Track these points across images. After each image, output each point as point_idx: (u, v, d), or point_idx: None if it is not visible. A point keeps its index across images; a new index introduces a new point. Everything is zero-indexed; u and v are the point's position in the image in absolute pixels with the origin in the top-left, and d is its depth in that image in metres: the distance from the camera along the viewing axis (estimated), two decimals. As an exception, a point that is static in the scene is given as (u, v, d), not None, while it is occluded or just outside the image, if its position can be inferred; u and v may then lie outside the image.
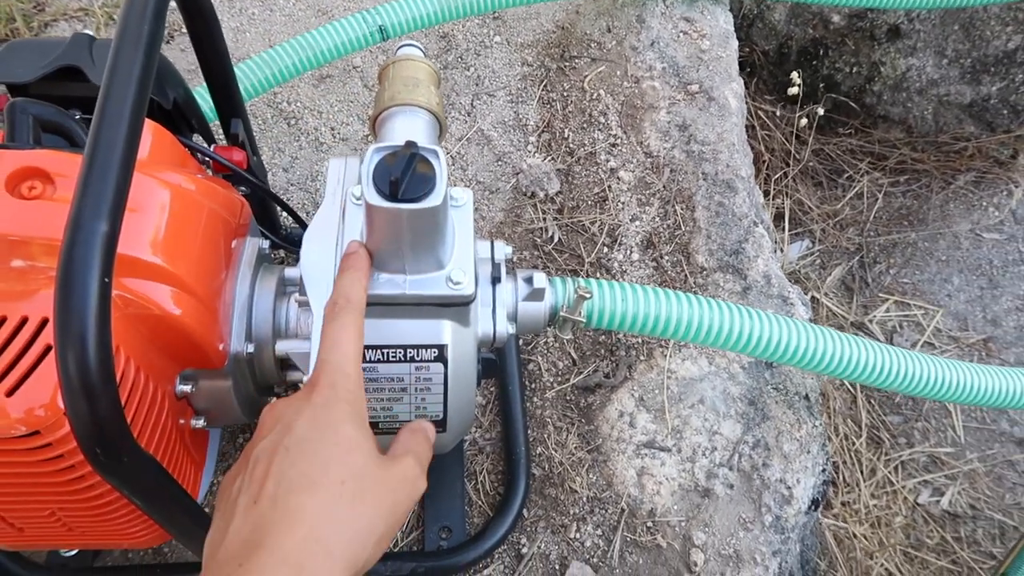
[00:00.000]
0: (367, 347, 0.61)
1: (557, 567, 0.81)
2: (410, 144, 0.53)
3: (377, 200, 0.53)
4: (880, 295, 1.81)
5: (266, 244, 0.71)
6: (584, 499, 0.85)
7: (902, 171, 1.95)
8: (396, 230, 0.55)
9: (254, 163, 0.79)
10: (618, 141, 1.12)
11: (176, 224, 0.60)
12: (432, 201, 0.53)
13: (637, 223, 1.04)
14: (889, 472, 1.51)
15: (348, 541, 0.38)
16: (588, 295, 0.68)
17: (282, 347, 0.65)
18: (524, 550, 0.82)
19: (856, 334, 1.74)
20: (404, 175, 0.53)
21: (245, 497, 0.40)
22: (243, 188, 0.78)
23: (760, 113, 1.81)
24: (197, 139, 0.78)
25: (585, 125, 1.15)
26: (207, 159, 0.72)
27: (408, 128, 0.61)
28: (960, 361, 0.87)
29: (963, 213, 1.93)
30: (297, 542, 0.37)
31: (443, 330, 0.62)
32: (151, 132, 0.65)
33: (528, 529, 0.84)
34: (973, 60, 1.72)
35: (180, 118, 0.73)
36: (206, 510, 0.82)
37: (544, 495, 0.85)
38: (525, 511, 0.84)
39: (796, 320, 0.77)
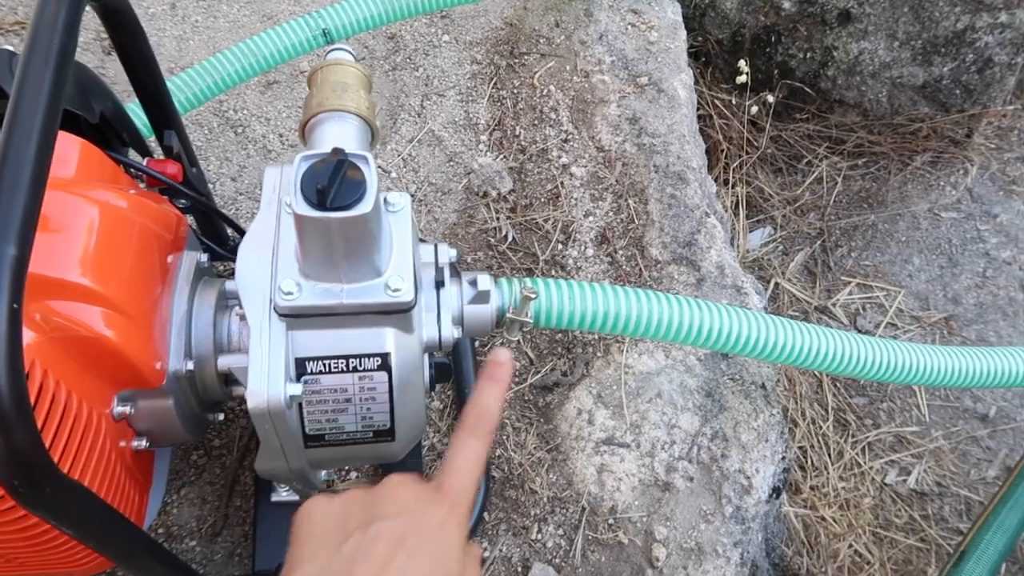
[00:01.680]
0: (308, 359, 0.60)
1: (519, 569, 0.81)
2: (337, 151, 0.52)
3: (306, 210, 0.52)
4: (842, 278, 1.82)
5: (204, 257, 0.69)
6: (545, 499, 0.84)
7: (860, 154, 1.97)
8: (327, 239, 0.54)
9: (192, 175, 0.78)
10: (569, 137, 1.12)
11: (105, 243, 0.59)
12: (362, 208, 0.52)
13: (591, 219, 1.04)
14: (856, 454, 1.53)
15: None
16: (534, 295, 0.67)
17: (224, 362, 0.64)
18: (486, 554, 0.81)
19: (820, 318, 1.76)
20: (332, 183, 0.52)
21: (364, 569, 0.41)
22: (182, 201, 0.76)
23: (717, 102, 1.81)
24: (134, 155, 0.76)
25: (536, 122, 1.14)
26: (140, 174, 0.70)
27: (337, 135, 0.60)
28: (916, 343, 0.88)
29: (921, 193, 1.95)
30: None
31: (385, 338, 0.61)
32: (77, 149, 0.63)
33: (489, 532, 0.83)
34: (924, 41, 1.74)
35: (110, 132, 0.71)
36: (160, 531, 0.81)
37: (504, 497, 0.85)
38: (485, 514, 0.84)
39: (747, 310, 0.77)
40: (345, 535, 0.44)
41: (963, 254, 1.84)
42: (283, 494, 0.80)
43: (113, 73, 1.16)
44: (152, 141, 0.81)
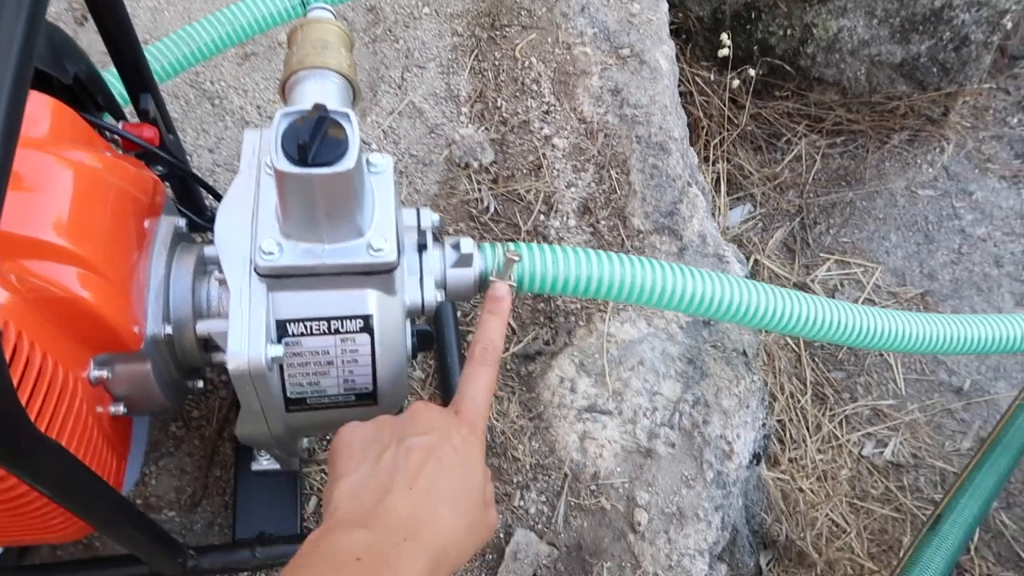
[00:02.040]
0: (289, 321, 0.59)
1: (502, 535, 0.81)
2: (318, 107, 0.52)
3: (287, 166, 0.51)
4: (821, 255, 1.84)
5: (183, 223, 0.68)
6: (527, 467, 0.84)
7: (838, 132, 1.98)
8: (309, 197, 0.53)
9: (169, 141, 0.76)
10: (551, 108, 1.11)
11: (81, 203, 0.58)
12: (344, 165, 0.51)
13: (573, 189, 1.04)
14: (834, 427, 1.55)
15: (457, 559, 0.46)
16: (517, 258, 0.67)
17: (203, 327, 0.63)
18: (469, 521, 0.81)
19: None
20: (313, 139, 0.51)
21: (402, 477, 0.46)
22: (160, 168, 0.75)
23: (697, 79, 1.81)
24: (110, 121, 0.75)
25: (518, 93, 1.13)
26: (116, 137, 0.69)
27: (318, 92, 0.59)
28: (892, 310, 0.88)
29: (898, 171, 1.96)
30: (440, 545, 0.45)
31: (367, 300, 0.60)
32: (49, 109, 0.61)
33: (473, 500, 0.83)
34: (902, 19, 1.75)
35: (84, 95, 0.69)
36: (138, 502, 0.80)
37: (487, 465, 0.84)
38: (469, 482, 0.84)
39: (729, 275, 0.78)
40: (382, 448, 0.49)
41: (939, 231, 1.86)
42: (264, 463, 0.79)
43: (87, 43, 1.13)
44: (129, 112, 0.80)
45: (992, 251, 1.81)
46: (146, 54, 0.94)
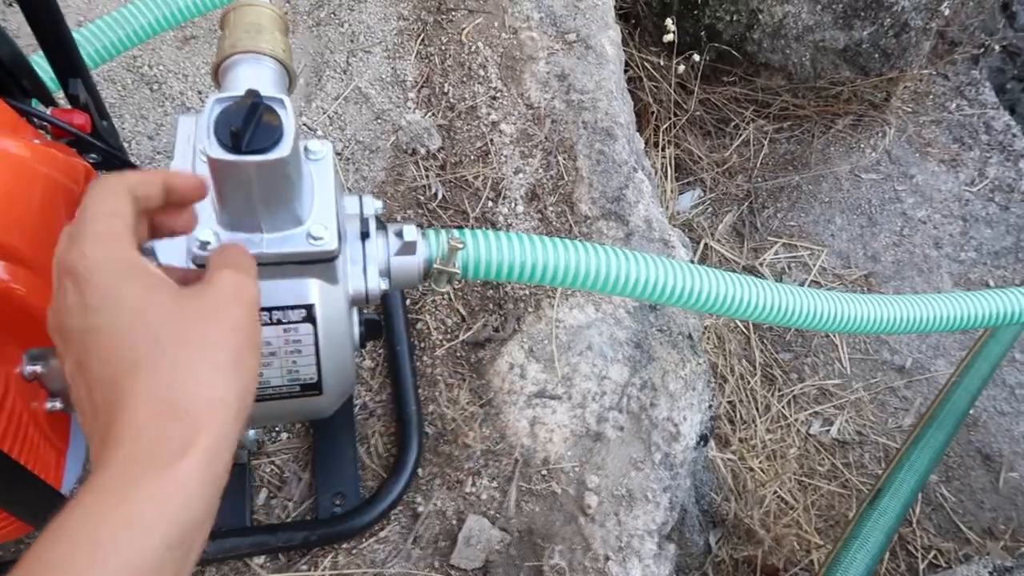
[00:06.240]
0: (229, 312, 0.58)
1: (454, 522, 0.81)
2: (251, 92, 0.50)
3: (220, 153, 0.50)
4: (769, 238, 1.87)
5: (117, 212, 0.66)
6: (478, 453, 0.84)
7: (785, 117, 2.01)
8: (244, 185, 0.52)
9: (102, 128, 0.74)
10: (498, 94, 1.11)
11: (8, 194, 0.56)
12: (279, 152, 0.50)
13: (520, 175, 1.03)
14: (782, 407, 1.58)
15: (183, 364, 0.36)
16: (461, 245, 0.66)
17: (141, 319, 0.62)
18: (420, 509, 0.81)
19: (747, 277, 1.80)
20: (247, 125, 0.50)
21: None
22: (93, 156, 0.73)
23: (647, 64, 1.82)
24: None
25: (465, 79, 1.13)
26: (45, 124, 0.67)
27: (252, 77, 0.58)
28: (835, 292, 0.90)
29: (843, 155, 2.00)
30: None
31: (309, 289, 0.59)
32: (-29, 95, 0.59)
33: (423, 488, 0.83)
34: (844, 5, 1.78)
35: (9, 80, 0.67)
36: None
37: (438, 452, 0.85)
38: (420, 470, 0.84)
39: (674, 260, 0.78)
40: None
41: (882, 213, 1.91)
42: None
43: (15, 25, 1.09)
44: (62, 98, 0.77)
45: (932, 233, 1.87)
46: (78, 37, 0.91)
